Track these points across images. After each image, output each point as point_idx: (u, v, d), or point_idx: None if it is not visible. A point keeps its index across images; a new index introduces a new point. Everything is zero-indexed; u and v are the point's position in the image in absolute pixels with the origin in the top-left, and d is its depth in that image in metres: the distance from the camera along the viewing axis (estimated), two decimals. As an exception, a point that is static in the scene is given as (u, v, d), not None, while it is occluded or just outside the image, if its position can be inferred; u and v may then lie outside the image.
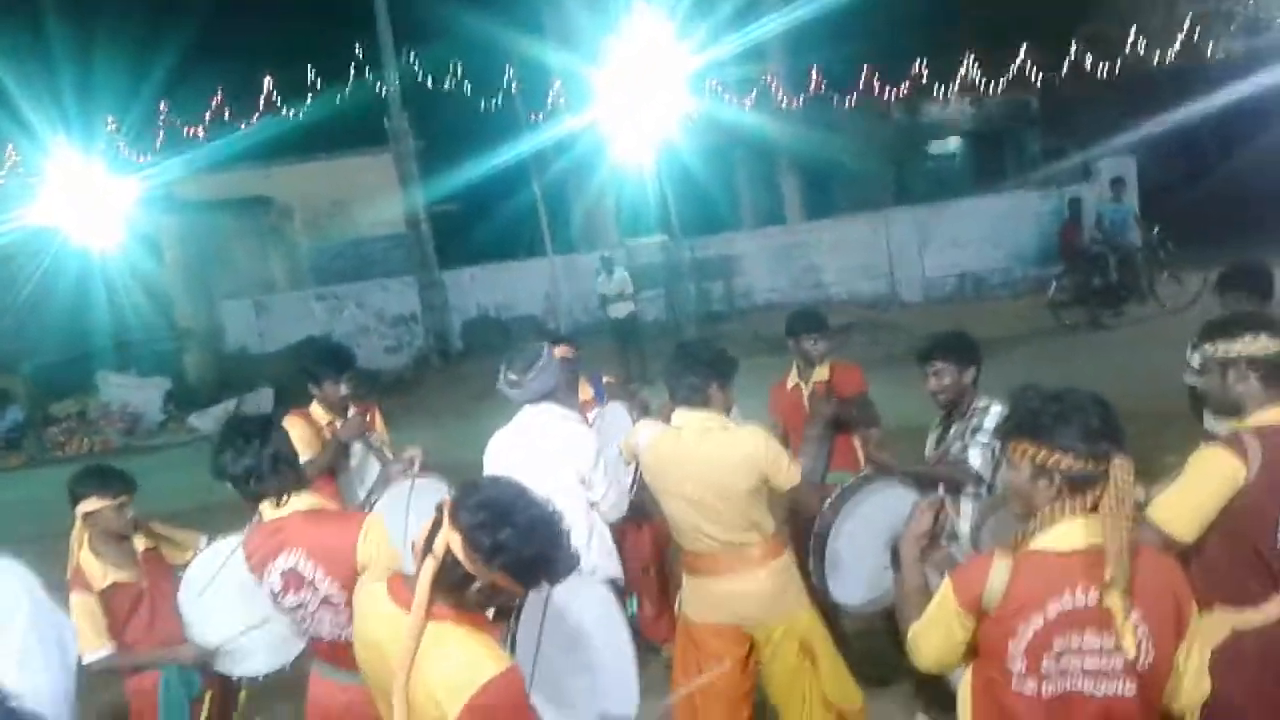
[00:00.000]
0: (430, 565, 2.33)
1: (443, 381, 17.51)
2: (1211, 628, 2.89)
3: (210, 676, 3.88)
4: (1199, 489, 2.95)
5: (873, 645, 5.36)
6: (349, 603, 3.05)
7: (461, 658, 2.30)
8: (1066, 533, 2.35)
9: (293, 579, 3.16)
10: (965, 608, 2.38)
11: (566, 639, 3.14)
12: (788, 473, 3.78)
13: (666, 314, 19.02)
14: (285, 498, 3.24)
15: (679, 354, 3.96)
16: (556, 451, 4.19)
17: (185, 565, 3.81)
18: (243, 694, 4.13)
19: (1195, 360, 3.18)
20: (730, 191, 24.21)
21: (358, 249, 22.49)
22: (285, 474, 3.25)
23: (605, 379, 5.76)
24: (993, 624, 2.35)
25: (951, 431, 4.40)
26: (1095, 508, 2.35)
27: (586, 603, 3.30)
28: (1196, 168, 20.60)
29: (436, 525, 2.35)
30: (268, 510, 3.24)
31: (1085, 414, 2.36)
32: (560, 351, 4.81)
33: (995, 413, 4.22)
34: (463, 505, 2.35)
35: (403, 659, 2.30)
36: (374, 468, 4.87)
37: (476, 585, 2.32)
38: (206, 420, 15.26)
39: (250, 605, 3.49)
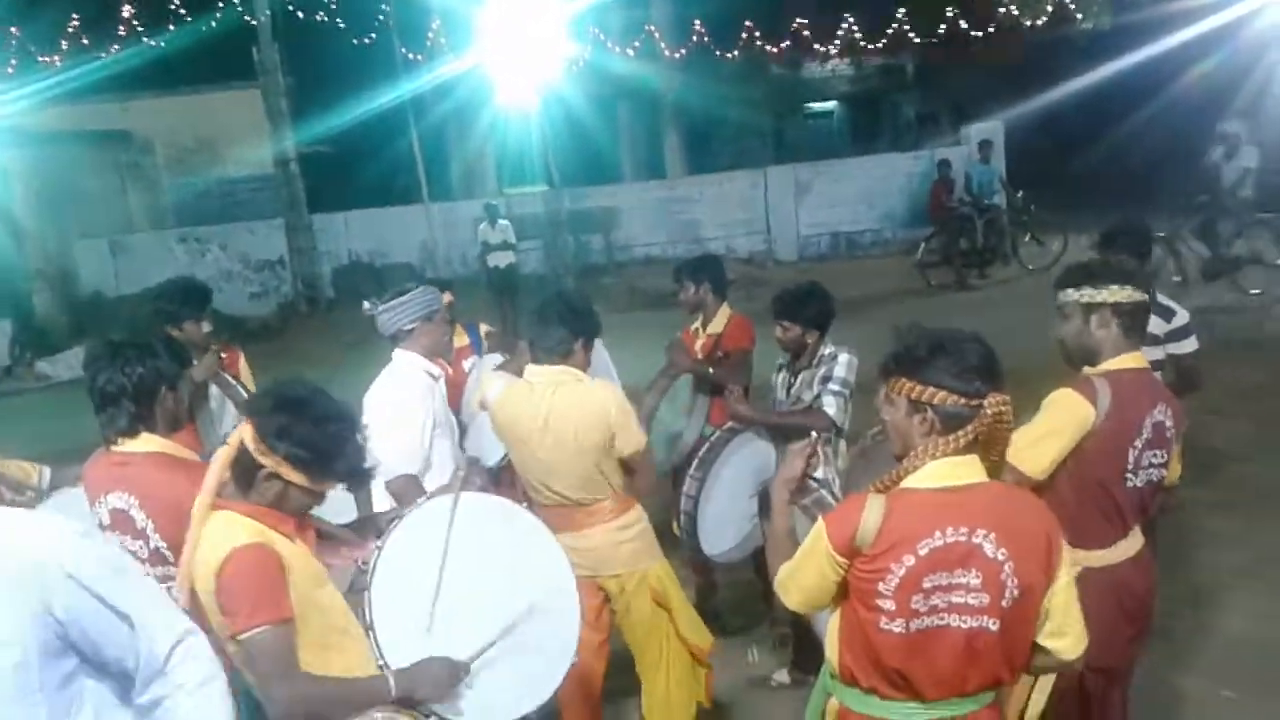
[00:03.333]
0: (222, 452, 2.43)
1: (312, 329, 17.06)
2: None
3: None
4: (1049, 428, 3.05)
5: (741, 594, 5.46)
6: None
7: (216, 537, 2.39)
8: (939, 470, 2.37)
9: (122, 522, 3.00)
10: (838, 548, 2.37)
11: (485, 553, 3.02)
12: (633, 435, 3.77)
13: (545, 266, 18.84)
14: (133, 433, 3.05)
15: (551, 303, 3.87)
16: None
17: (31, 501, 3.57)
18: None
19: (1057, 302, 3.23)
20: (612, 143, 24.08)
21: (223, 189, 21.64)
22: (140, 406, 3.05)
23: (484, 328, 5.64)
24: (865, 563, 2.35)
25: (800, 379, 4.51)
26: (971, 447, 2.37)
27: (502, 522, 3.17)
28: (1062, 135, 21.29)
29: None
30: (118, 441, 3.06)
31: (962, 352, 2.37)
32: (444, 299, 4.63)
33: (844, 360, 4.39)
34: (259, 397, 2.53)
35: (186, 546, 2.40)
36: (231, 412, 4.69)
37: (264, 472, 2.40)
38: (58, 366, 14.55)
39: None
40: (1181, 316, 4.52)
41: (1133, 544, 3.18)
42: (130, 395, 3.03)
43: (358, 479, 2.60)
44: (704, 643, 4.02)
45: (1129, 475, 3.08)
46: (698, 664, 4.02)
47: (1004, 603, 2.33)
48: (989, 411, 2.35)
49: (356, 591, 2.84)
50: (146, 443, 3.06)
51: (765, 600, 5.26)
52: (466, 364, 5.25)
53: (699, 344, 5.23)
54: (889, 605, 2.34)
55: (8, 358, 16.18)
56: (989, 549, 2.31)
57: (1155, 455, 3.12)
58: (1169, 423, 3.12)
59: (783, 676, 4.81)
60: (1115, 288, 3.09)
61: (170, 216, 21.51)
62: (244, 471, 2.45)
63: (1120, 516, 3.12)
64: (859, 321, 11.94)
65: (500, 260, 15.05)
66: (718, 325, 5.25)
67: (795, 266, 18.43)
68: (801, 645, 4.66)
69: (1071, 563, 2.85)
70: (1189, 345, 4.46)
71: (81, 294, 18.51)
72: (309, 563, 2.56)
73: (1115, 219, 5.05)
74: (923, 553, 2.31)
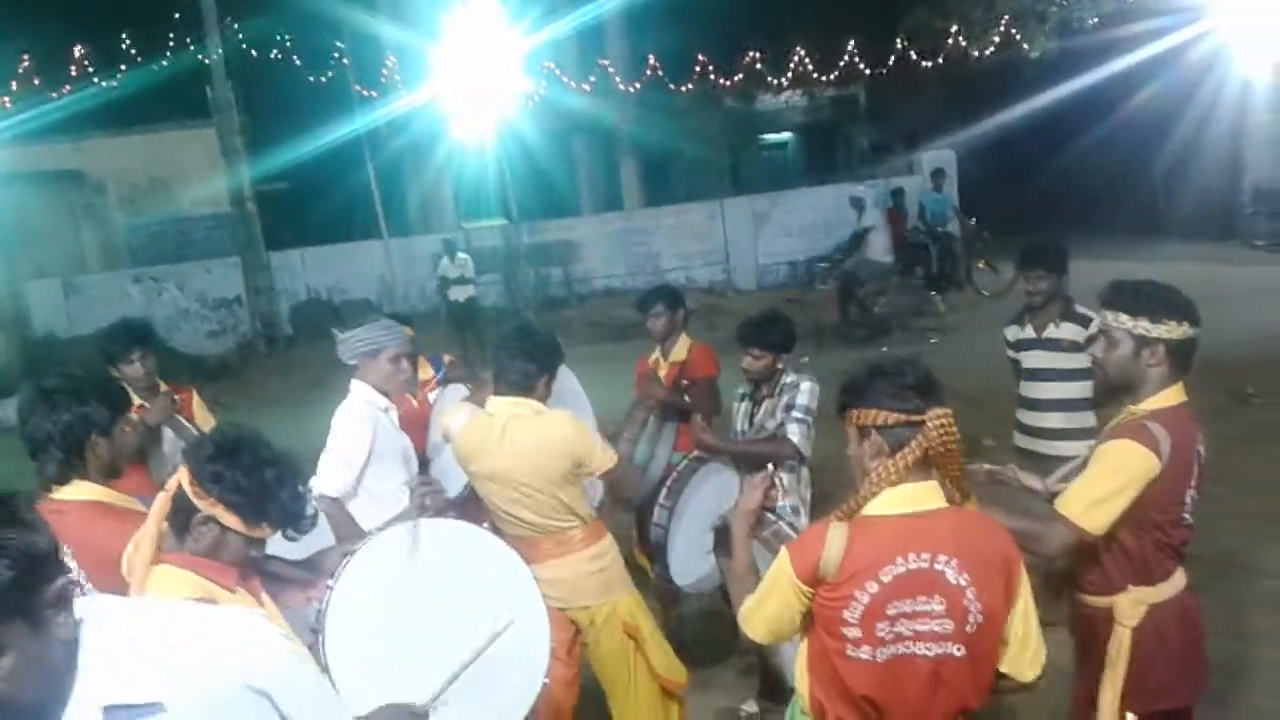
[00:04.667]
0: (160, 499, 2.38)
1: (271, 367, 16.89)
2: (1129, 609, 2.96)
3: None
4: (1112, 484, 2.87)
5: (708, 628, 5.46)
6: None
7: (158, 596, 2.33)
8: (899, 497, 2.39)
9: None
10: (802, 577, 2.38)
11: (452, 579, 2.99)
12: (602, 456, 3.77)
13: (505, 299, 18.83)
14: (63, 480, 2.96)
15: (514, 337, 3.88)
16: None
17: None
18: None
19: (1099, 324, 3.08)
20: (569, 176, 24.16)
21: (178, 228, 21.40)
22: (68, 454, 2.96)
23: (446, 359, 5.64)
24: (829, 591, 2.36)
25: (763, 407, 4.54)
26: (923, 467, 2.40)
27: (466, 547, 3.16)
28: (1012, 162, 21.63)
29: None
30: (55, 489, 2.97)
31: (900, 372, 2.43)
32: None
33: (806, 388, 4.43)
34: (197, 442, 2.49)
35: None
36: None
37: (199, 516, 2.35)
38: (6, 409, 14.29)
39: None
40: (1099, 322, 4.64)
41: (1184, 572, 3.09)
42: (57, 443, 2.94)
43: (294, 525, 2.51)
44: (678, 677, 4.00)
45: (1185, 515, 2.99)
46: (669, 698, 4.00)
47: (968, 628, 2.34)
48: (931, 426, 2.38)
49: (315, 631, 2.81)
50: (81, 491, 2.96)
51: (734, 631, 5.26)
52: (432, 396, 5.25)
53: (663, 372, 5.26)
54: (854, 633, 2.35)
55: (-42, 401, 15.89)
56: (951, 575, 2.33)
57: (1199, 488, 3.01)
58: (1203, 450, 3.00)
59: (751, 707, 4.81)
60: (1173, 324, 2.91)
61: (125, 256, 21.24)
62: (181, 516, 2.39)
63: (1175, 550, 3.03)
64: (817, 350, 12.18)
65: (460, 294, 15.05)
66: (680, 353, 5.31)
67: (755, 295, 18.55)
68: (768, 675, 4.66)
69: (1137, 601, 2.86)
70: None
71: (34, 335, 18.22)
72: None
73: (1032, 239, 5.24)
74: (886, 579, 2.32)
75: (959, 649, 2.35)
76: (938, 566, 2.33)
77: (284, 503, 2.44)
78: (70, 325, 18.16)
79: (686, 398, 5.02)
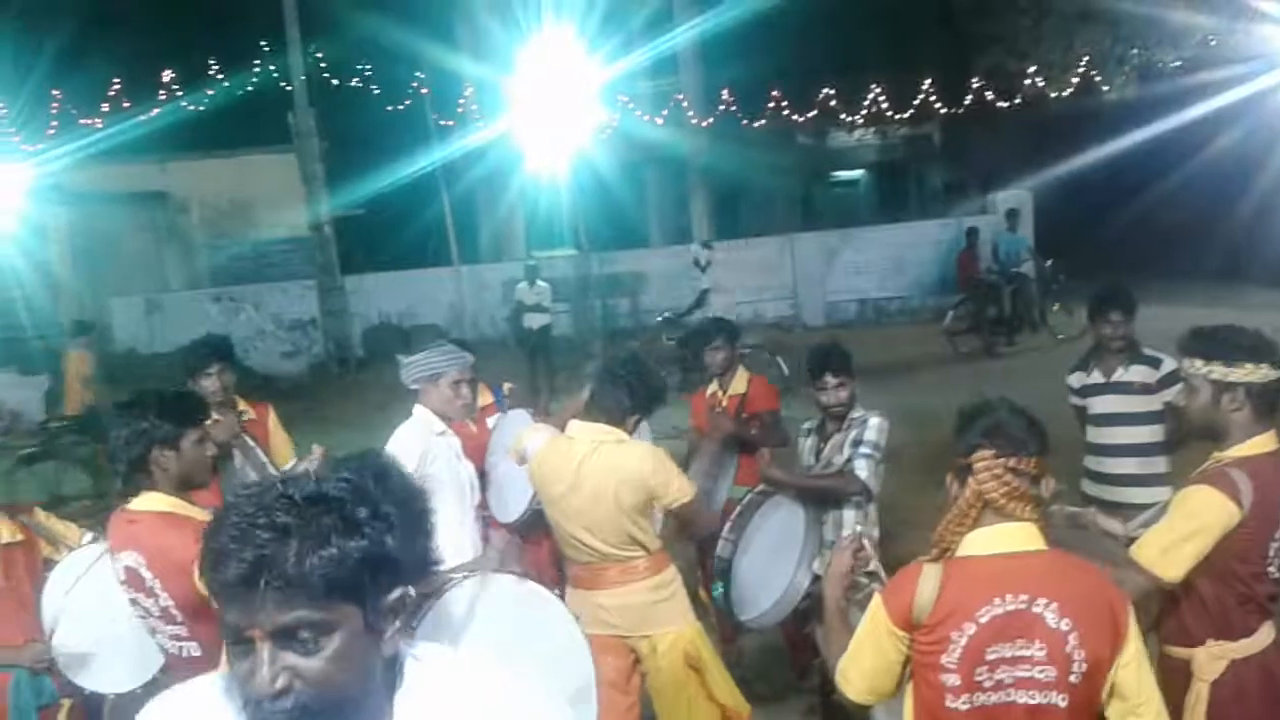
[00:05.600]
0: None
1: (342, 388, 17.15)
2: (1207, 663, 2.89)
3: (68, 686, 3.65)
4: (1189, 531, 2.83)
5: (768, 661, 5.40)
6: (193, 617, 2.91)
7: None
8: (991, 537, 2.34)
9: (134, 580, 3.01)
10: (897, 622, 2.32)
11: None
12: (677, 490, 3.74)
13: (573, 329, 18.92)
14: (139, 490, 3.05)
15: (624, 368, 3.89)
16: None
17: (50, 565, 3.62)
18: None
19: (1183, 371, 3.06)
20: (640, 208, 24.29)
21: (257, 250, 21.90)
22: (131, 466, 3.05)
23: (506, 386, 5.68)
24: (925, 634, 2.30)
25: (830, 442, 4.48)
26: (1016, 510, 2.34)
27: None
28: (1090, 205, 21.31)
29: None
30: (126, 499, 3.07)
31: (972, 416, 2.42)
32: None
33: (874, 424, 4.36)
34: (337, 464, 2.35)
35: None
36: (250, 477, 4.69)
37: None
38: (89, 421, 14.63)
39: (112, 612, 3.28)
40: (1169, 364, 4.57)
41: (1272, 628, 2.99)
42: (121, 456, 3.04)
43: (421, 574, 2.40)
44: (741, 708, 3.94)
45: (1271, 568, 2.90)
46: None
47: (1071, 678, 2.25)
48: (977, 468, 2.34)
49: None
50: (153, 501, 3.05)
51: (791, 668, 5.21)
52: (490, 421, 5.29)
53: (722, 406, 5.27)
54: (954, 680, 2.28)
55: (43, 412, 16.35)
56: (1051, 619, 2.25)
57: None
58: None
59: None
60: (1250, 366, 2.87)
61: (205, 276, 21.77)
62: None
63: (1259, 605, 2.95)
64: (889, 388, 12.02)
65: (535, 322, 15.12)
66: (739, 387, 5.34)
67: (822, 331, 18.43)
68: (832, 714, 4.60)
69: (1217, 655, 2.78)
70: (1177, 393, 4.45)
71: (116, 350, 18.71)
72: None
73: (1103, 283, 5.18)
74: (983, 620, 2.25)
75: (1062, 699, 2.26)
76: (1036, 609, 2.25)
77: (416, 548, 2.29)
78: (151, 341, 18.64)
79: (753, 432, 5.02)
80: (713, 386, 5.46)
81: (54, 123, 20.04)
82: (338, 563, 1.42)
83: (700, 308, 15.33)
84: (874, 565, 2.73)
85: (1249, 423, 2.89)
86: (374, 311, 19.51)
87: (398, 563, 1.53)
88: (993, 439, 2.35)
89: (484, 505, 4.52)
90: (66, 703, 3.75)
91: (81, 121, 20.28)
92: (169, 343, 17.79)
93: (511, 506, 4.51)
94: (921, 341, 16.42)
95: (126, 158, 20.24)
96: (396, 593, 1.54)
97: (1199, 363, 2.94)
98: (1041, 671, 2.25)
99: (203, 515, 3.08)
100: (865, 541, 2.77)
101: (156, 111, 20.38)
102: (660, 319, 16.63)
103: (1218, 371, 2.89)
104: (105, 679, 3.51)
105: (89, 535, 3.85)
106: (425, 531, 1.78)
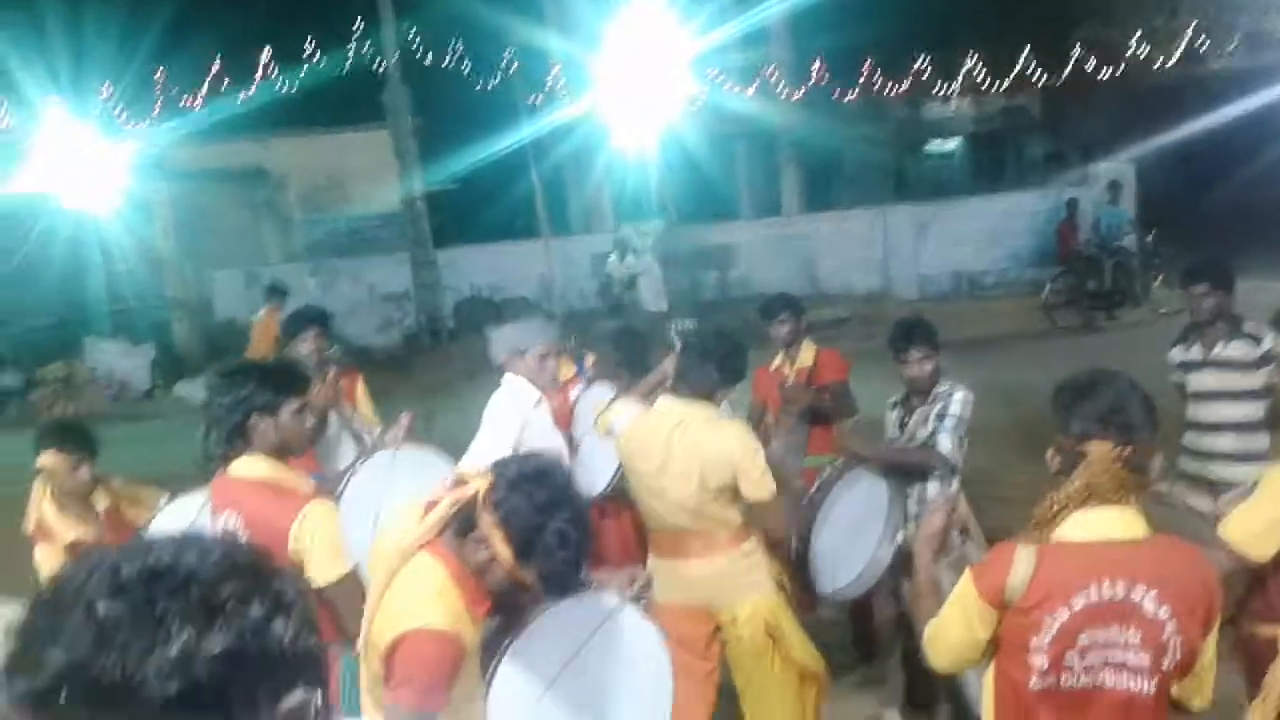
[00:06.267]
0: (457, 493, 2.32)
1: (434, 359, 17.44)
2: None
3: None
4: (1276, 510, 2.79)
5: (832, 639, 5.37)
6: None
7: (413, 596, 2.26)
8: (1090, 522, 2.28)
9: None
10: (988, 600, 2.29)
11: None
12: (758, 483, 3.68)
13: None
14: (229, 456, 3.11)
15: (710, 341, 3.90)
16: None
17: (147, 524, 3.75)
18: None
19: (1276, 349, 3.01)
20: (729, 181, 24.15)
21: (351, 225, 22.38)
22: (229, 432, 3.10)
23: (589, 358, 5.72)
24: (1016, 616, 2.26)
25: (915, 416, 4.42)
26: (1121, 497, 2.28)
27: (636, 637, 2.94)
28: (1194, 177, 20.61)
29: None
30: (225, 464, 3.14)
31: (1084, 392, 2.38)
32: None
33: (959, 398, 4.28)
34: (510, 459, 2.41)
35: (386, 569, 2.31)
36: (346, 442, 4.82)
37: (475, 534, 2.28)
38: (193, 389, 15.16)
39: None
40: (1269, 341, 4.43)
41: None
42: (220, 422, 3.10)
43: (557, 588, 2.32)
44: (816, 666, 3.93)
45: None
46: (806, 684, 3.92)
47: (1165, 665, 2.22)
48: (1092, 457, 2.28)
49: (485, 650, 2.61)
50: (252, 467, 3.11)
51: (855, 645, 5.20)
52: (572, 393, 5.33)
53: (792, 378, 5.26)
54: (1041, 662, 2.25)
55: (149, 381, 16.98)
56: (1150, 607, 2.21)
57: None
58: None
59: (894, 716, 4.71)
60: None
61: (301, 251, 22.34)
62: (464, 524, 2.30)
63: None
64: (986, 362, 11.77)
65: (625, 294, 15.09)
66: (806, 359, 5.33)
67: (915, 305, 18.16)
68: (915, 683, 4.56)
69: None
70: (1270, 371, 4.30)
71: (217, 321, 19.32)
72: (476, 658, 2.43)
73: (1195, 255, 5.02)
74: (1078, 606, 2.22)
75: (1152, 684, 2.22)
76: (1134, 597, 2.21)
77: (554, 557, 2.24)
78: (250, 313, 19.16)
79: (827, 403, 5.01)
80: (778, 360, 5.44)
81: (157, 102, 20.69)
82: (181, 667, 1.00)
83: (630, 291, 14.61)
84: (970, 525, 2.68)
85: None
86: (465, 284, 19.78)
87: (290, 658, 1.08)
88: (1107, 426, 2.28)
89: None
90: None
91: (183, 100, 20.89)
92: (268, 315, 18.33)
93: (597, 479, 4.55)
94: (1018, 315, 16.05)
95: (226, 135, 20.80)
96: (293, 699, 1.09)
97: None
98: (1135, 657, 2.22)
99: (302, 484, 3.18)
100: (959, 502, 2.73)
101: (255, 90, 20.90)
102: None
103: None
104: None
105: (165, 497, 3.97)
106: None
